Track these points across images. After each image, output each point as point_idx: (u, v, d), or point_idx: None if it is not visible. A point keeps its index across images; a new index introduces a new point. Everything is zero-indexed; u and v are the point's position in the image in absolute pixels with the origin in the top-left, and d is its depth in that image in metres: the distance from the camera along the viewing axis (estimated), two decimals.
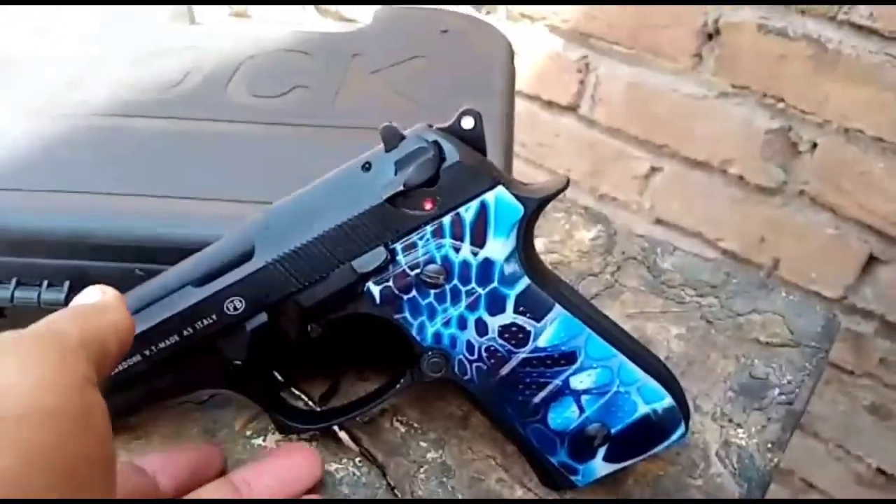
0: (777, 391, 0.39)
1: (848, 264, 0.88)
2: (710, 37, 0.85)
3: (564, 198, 0.53)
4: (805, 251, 0.90)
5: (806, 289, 0.92)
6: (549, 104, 1.04)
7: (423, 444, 0.36)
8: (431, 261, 0.31)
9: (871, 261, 0.86)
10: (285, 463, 0.33)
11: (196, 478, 0.32)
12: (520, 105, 1.09)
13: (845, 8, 0.74)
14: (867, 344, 0.92)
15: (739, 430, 0.37)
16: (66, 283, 0.37)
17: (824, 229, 0.87)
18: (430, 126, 0.32)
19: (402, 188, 0.30)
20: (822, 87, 0.80)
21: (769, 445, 0.37)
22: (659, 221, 1.02)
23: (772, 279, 0.95)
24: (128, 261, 0.35)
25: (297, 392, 0.37)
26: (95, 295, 0.28)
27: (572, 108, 1.02)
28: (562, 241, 0.47)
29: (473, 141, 0.32)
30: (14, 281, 0.37)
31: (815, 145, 0.84)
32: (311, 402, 0.37)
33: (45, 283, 0.37)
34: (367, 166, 0.31)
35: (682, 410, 0.32)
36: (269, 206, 0.32)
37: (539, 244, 0.47)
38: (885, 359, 0.91)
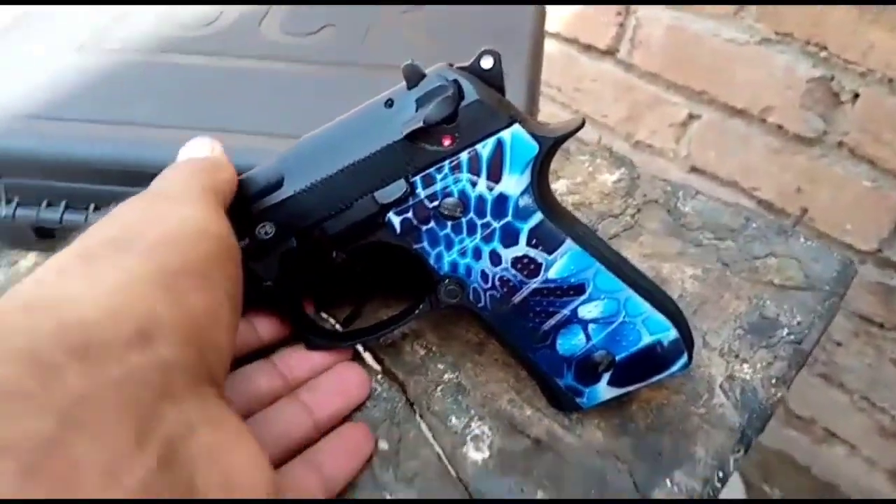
0: (786, 331, 0.41)
1: (884, 217, 0.87)
2: None
3: (592, 141, 0.54)
4: (841, 203, 0.90)
5: (840, 240, 0.92)
6: (588, 48, 1.03)
7: (440, 365, 0.38)
8: (449, 194, 0.33)
9: None
10: (336, 378, 0.36)
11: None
12: (557, 48, 1.08)
13: None
14: None
15: (745, 366, 0.39)
16: (112, 206, 0.39)
17: (862, 181, 0.86)
18: (451, 65, 0.33)
19: (421, 125, 0.31)
20: (867, 36, 0.78)
21: (773, 381, 0.38)
22: (694, 169, 1.01)
23: (800, 227, 0.94)
24: None
25: (324, 315, 0.40)
26: (206, 148, 0.33)
27: (611, 52, 1.01)
28: (584, 182, 0.49)
29: (492, 80, 0.33)
30: (63, 203, 0.40)
31: (856, 95, 0.82)
32: (336, 325, 0.40)
33: (92, 206, 0.40)
34: (389, 103, 0.33)
35: (685, 343, 0.34)
36: (297, 139, 0.34)
37: (562, 185, 0.49)
38: None
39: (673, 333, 0.33)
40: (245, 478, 0.24)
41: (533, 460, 0.35)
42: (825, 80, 0.84)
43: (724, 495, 1.15)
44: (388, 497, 0.33)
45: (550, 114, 0.50)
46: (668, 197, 0.48)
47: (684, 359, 0.34)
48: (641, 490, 0.34)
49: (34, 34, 0.46)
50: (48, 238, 0.42)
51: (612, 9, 0.96)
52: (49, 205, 0.40)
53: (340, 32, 0.47)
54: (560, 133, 0.32)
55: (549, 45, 0.52)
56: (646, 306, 0.33)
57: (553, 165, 0.46)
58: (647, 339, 0.33)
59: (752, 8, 0.85)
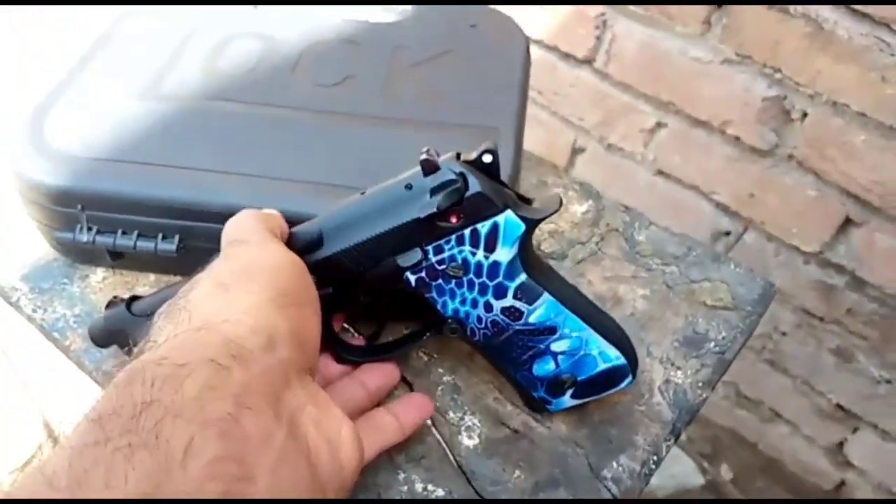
0: (713, 344, 0.52)
1: (826, 223, 0.99)
2: (719, 5, 0.94)
3: (565, 174, 0.65)
4: (789, 209, 1.02)
5: (787, 242, 1.04)
6: (567, 56, 1.12)
7: (440, 370, 0.50)
8: (454, 259, 0.42)
9: (847, 222, 0.97)
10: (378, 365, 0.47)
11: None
12: (539, 55, 1.18)
13: None
14: (837, 295, 1.04)
15: (679, 372, 0.50)
16: (177, 237, 0.49)
17: (807, 191, 0.98)
18: (458, 157, 0.41)
19: (435, 210, 0.40)
20: (816, 63, 0.89)
21: (700, 384, 0.50)
22: (660, 172, 1.12)
23: (749, 233, 1.07)
24: (223, 223, 0.48)
25: (352, 331, 0.50)
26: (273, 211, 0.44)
27: (588, 61, 1.10)
28: (558, 213, 0.60)
29: (491, 171, 0.42)
30: (135, 233, 0.50)
31: (805, 114, 0.93)
32: (358, 336, 0.50)
33: (160, 235, 0.50)
34: (409, 186, 0.41)
35: (630, 366, 0.45)
36: (336, 204, 0.43)
37: None
38: (851, 309, 1.04)
39: (621, 361, 0.44)
40: (339, 435, 0.35)
41: (512, 446, 0.46)
42: (779, 99, 0.95)
43: (676, 474, 1.30)
44: (402, 475, 0.44)
45: (531, 116, 0.58)
46: (626, 227, 0.59)
47: (629, 378, 0.45)
48: (595, 470, 0.45)
49: (99, 79, 0.55)
50: (118, 258, 0.52)
51: (591, 21, 1.06)
52: (124, 233, 0.49)
53: (359, 84, 0.56)
54: (541, 215, 0.42)
55: (532, 52, 0.61)
56: (601, 341, 0.44)
57: (531, 195, 0.57)
58: (602, 366, 0.45)
59: (717, 30, 0.95)
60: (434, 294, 0.44)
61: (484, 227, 0.41)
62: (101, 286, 0.53)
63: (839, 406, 1.14)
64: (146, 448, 0.26)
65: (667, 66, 1.02)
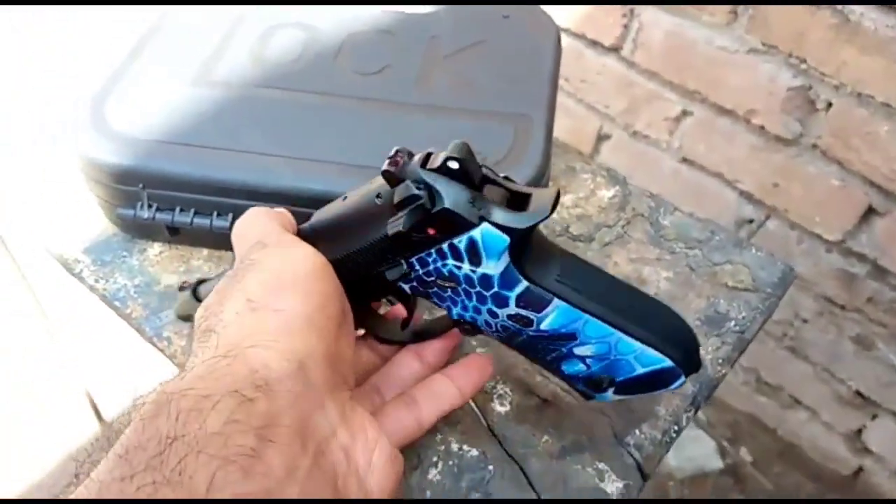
0: (733, 323, 0.55)
1: (849, 212, 1.02)
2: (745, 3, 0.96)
3: (592, 160, 0.68)
4: (812, 198, 1.04)
5: (810, 231, 1.07)
6: (594, 43, 1.15)
7: (474, 342, 0.53)
8: (440, 273, 0.38)
9: (870, 211, 1.00)
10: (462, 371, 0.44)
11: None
12: (566, 42, 1.21)
13: None
14: (858, 283, 1.07)
15: (700, 349, 0.54)
16: (230, 215, 0.53)
17: (831, 180, 1.01)
18: (426, 163, 0.36)
19: (400, 230, 0.36)
20: (842, 54, 0.91)
21: (720, 361, 0.53)
22: (685, 160, 1.15)
23: (771, 221, 1.09)
24: (275, 202, 0.51)
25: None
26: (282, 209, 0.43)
27: (615, 49, 1.13)
28: (586, 197, 0.63)
29: (464, 177, 0.36)
30: (192, 211, 0.54)
31: (830, 105, 0.96)
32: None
33: (215, 213, 0.54)
34: (379, 195, 0.38)
35: (683, 367, 0.39)
36: (318, 212, 0.42)
37: (568, 199, 0.63)
38: (872, 297, 1.06)
39: (666, 363, 0.39)
40: (369, 463, 0.34)
41: (541, 413, 0.50)
42: (804, 89, 0.97)
43: (697, 455, 1.35)
44: (439, 436, 0.48)
45: (557, 103, 0.60)
46: (651, 212, 0.62)
47: (681, 379, 0.40)
48: (619, 437, 0.49)
49: (152, 67, 0.59)
50: (175, 234, 0.56)
51: (619, 10, 1.09)
52: (181, 210, 0.54)
53: (396, 73, 0.60)
54: (528, 224, 0.36)
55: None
56: (636, 345, 0.39)
57: (561, 182, 0.60)
58: (640, 370, 0.40)
59: (744, 19, 0.98)
60: (435, 300, 0.41)
61: (461, 242, 0.37)
62: (159, 259, 0.57)
63: (858, 393, 1.17)
64: (170, 485, 0.27)
65: (693, 54, 1.05)
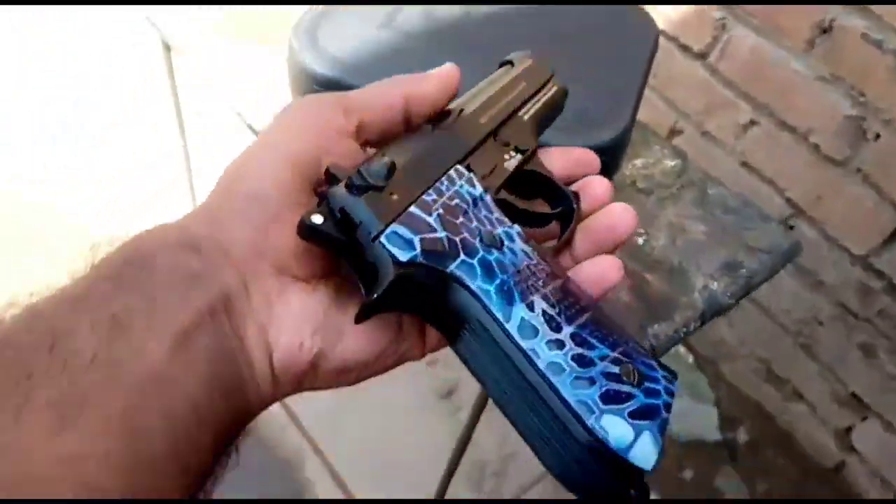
0: (745, 271, 0.75)
1: (876, 233, 1.18)
2: (824, 31, 1.13)
3: (670, 122, 0.87)
4: (848, 214, 1.21)
5: (841, 243, 1.24)
6: (684, 48, 1.33)
7: None
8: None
9: (894, 235, 1.16)
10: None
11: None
12: (661, 42, 1.38)
13: None
14: (873, 297, 1.24)
15: (715, 283, 0.73)
16: None
17: (866, 202, 1.17)
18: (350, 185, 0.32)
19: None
20: None
21: (728, 294, 0.73)
22: (744, 164, 1.33)
23: (810, 227, 1.26)
24: None
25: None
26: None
27: (702, 56, 1.31)
28: (654, 163, 0.83)
29: (374, 184, 0.32)
30: None
31: (878, 136, 1.12)
32: None
33: None
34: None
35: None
36: None
37: (639, 162, 0.82)
38: (882, 310, 1.23)
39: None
40: (279, 340, 0.31)
41: None
42: (858, 118, 1.14)
43: (699, 425, 1.57)
44: None
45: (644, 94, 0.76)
46: (702, 182, 0.82)
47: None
48: (643, 326, 0.69)
49: (345, 14, 0.80)
50: None
51: (712, 22, 1.26)
52: None
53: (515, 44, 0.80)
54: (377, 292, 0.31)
55: None
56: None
57: (636, 148, 0.80)
58: None
59: (820, 49, 1.14)
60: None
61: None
62: None
63: (854, 395, 1.34)
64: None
65: (770, 72, 1.22)
